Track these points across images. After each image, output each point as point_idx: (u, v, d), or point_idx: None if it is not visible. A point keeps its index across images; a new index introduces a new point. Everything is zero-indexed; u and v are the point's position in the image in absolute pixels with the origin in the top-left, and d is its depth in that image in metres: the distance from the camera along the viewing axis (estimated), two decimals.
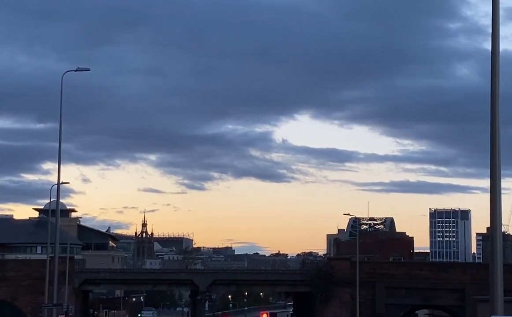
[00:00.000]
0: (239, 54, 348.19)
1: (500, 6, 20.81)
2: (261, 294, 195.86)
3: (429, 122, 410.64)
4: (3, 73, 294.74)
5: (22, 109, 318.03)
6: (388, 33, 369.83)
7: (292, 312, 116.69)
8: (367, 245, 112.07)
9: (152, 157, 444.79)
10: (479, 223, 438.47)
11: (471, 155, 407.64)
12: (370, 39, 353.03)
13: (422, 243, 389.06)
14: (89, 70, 55.20)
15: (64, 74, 54.36)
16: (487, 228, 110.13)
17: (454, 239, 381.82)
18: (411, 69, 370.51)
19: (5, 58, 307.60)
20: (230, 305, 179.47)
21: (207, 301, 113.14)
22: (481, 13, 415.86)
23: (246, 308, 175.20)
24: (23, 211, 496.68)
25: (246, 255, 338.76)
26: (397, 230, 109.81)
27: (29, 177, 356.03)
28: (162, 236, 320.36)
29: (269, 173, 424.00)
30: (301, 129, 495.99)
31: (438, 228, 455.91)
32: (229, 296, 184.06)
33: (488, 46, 20.49)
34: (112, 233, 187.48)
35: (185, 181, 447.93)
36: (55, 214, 58.07)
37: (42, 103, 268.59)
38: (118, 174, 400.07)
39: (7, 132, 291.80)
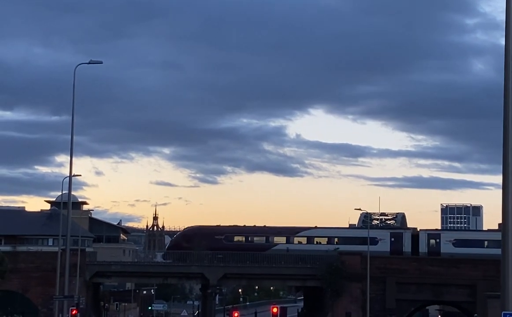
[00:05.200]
0: (255, 48, 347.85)
1: None
2: (271, 288, 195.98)
3: (444, 117, 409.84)
4: (19, 66, 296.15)
5: (37, 101, 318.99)
6: (404, 28, 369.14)
7: (302, 306, 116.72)
8: None
9: (166, 150, 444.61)
10: (492, 219, 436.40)
11: (485, 151, 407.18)
12: (386, 34, 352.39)
13: None
14: (102, 63, 55.19)
15: (76, 67, 54.46)
16: (499, 224, 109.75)
17: None
18: (426, 64, 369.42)
19: (21, 51, 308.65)
20: (241, 299, 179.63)
21: (217, 295, 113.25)
22: (500, 9, 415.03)
23: (247, 303, 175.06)
24: (36, 203, 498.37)
25: None
26: (408, 226, 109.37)
27: (42, 169, 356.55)
28: (173, 230, 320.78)
29: (282, 168, 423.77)
30: (314, 124, 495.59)
31: (450, 223, 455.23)
32: (240, 290, 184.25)
33: None
34: (124, 226, 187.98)
35: (198, 175, 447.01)
36: (67, 206, 58.20)
37: (57, 96, 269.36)
38: (131, 167, 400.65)
39: (22, 125, 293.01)
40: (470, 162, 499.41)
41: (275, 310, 69.51)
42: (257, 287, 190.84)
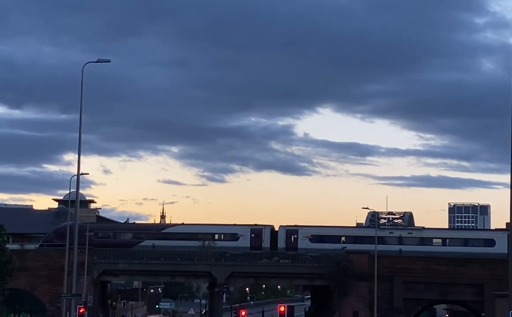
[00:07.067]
0: (263, 46, 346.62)
1: None
2: (278, 287, 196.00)
3: (452, 116, 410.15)
4: (28, 64, 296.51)
5: (46, 100, 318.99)
6: (413, 27, 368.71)
7: (309, 305, 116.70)
8: None
9: (174, 149, 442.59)
10: (500, 218, 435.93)
11: (493, 150, 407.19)
12: (395, 33, 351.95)
13: None
14: (109, 61, 55.21)
15: (84, 65, 54.53)
16: (507, 223, 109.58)
17: None
18: (435, 63, 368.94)
19: (30, 49, 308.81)
20: (248, 297, 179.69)
21: (225, 294, 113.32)
22: (510, 8, 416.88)
23: (251, 302, 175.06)
24: (44, 202, 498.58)
25: None
26: (416, 225, 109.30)
27: (50, 167, 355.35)
28: None
29: (290, 166, 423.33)
30: (323, 123, 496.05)
31: (457, 223, 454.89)
32: (247, 289, 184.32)
33: None
34: None
35: (206, 173, 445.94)
36: (75, 204, 58.33)
37: (66, 94, 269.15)
38: (139, 165, 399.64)
39: (30, 123, 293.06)
40: (478, 161, 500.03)
41: (282, 308, 69.54)
42: (264, 286, 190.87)
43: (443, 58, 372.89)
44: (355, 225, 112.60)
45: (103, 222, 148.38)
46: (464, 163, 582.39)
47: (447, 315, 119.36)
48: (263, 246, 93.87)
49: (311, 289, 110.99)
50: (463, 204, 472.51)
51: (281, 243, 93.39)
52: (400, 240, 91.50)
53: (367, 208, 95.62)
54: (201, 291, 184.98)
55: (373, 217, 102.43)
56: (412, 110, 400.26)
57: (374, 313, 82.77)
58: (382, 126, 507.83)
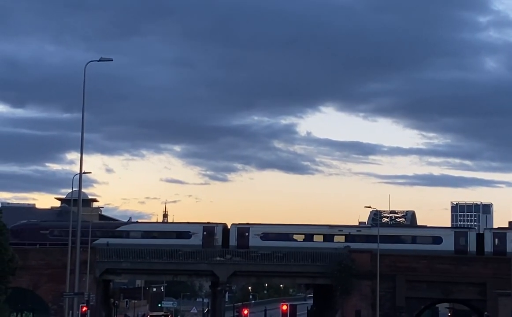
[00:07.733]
0: (266, 45, 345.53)
1: None
2: (281, 286, 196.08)
3: (455, 115, 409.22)
4: (31, 63, 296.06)
5: (49, 98, 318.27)
6: (416, 26, 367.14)
7: (312, 304, 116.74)
8: None
9: (177, 148, 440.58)
10: (503, 217, 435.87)
11: (496, 149, 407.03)
12: (397, 32, 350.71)
13: None
14: (112, 60, 55.02)
15: (87, 64, 54.40)
16: (509, 222, 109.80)
17: None
18: (438, 62, 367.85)
19: (33, 48, 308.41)
20: (250, 296, 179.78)
21: (227, 293, 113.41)
22: None
23: (253, 301, 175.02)
24: (47, 201, 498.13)
25: None
26: (418, 224, 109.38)
27: (53, 166, 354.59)
28: None
29: (292, 165, 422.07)
30: (325, 122, 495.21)
31: (460, 221, 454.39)
32: (249, 288, 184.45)
33: None
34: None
35: (208, 172, 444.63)
36: (77, 203, 58.28)
37: (69, 93, 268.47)
38: (142, 164, 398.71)
39: (33, 122, 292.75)
40: (481, 160, 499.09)
41: (284, 307, 69.29)
42: (266, 284, 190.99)
43: (446, 57, 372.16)
44: (357, 224, 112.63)
45: (104, 221, 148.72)
46: (467, 162, 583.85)
47: (449, 314, 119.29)
48: (215, 244, 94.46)
49: (313, 288, 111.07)
50: (466, 203, 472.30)
51: (232, 241, 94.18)
52: (349, 238, 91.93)
53: (369, 207, 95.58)
54: (203, 290, 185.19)
55: (376, 216, 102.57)
56: (415, 109, 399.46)
57: (377, 312, 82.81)
58: (384, 125, 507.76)
